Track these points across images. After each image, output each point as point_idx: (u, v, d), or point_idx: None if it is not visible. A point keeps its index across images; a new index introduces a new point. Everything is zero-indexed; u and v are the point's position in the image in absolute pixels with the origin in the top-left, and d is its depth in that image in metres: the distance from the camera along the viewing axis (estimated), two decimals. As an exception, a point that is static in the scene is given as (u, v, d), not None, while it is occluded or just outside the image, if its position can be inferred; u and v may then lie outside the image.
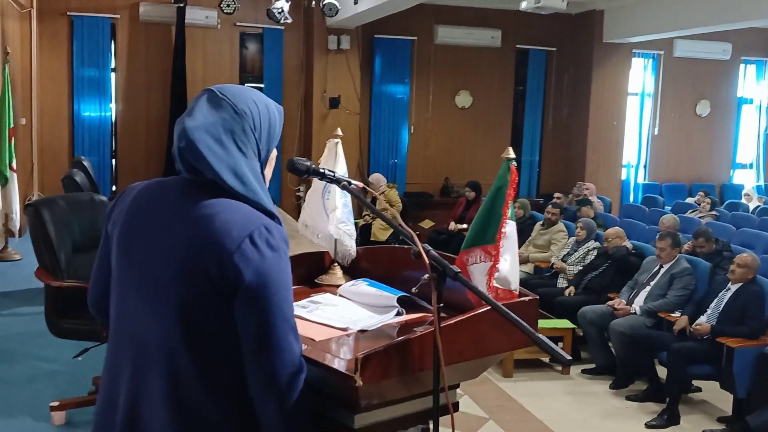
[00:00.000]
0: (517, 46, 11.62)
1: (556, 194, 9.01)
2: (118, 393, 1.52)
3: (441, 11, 11.04)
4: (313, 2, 9.70)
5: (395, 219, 1.67)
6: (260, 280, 1.42)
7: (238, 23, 10.38)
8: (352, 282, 2.15)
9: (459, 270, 1.47)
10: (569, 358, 1.35)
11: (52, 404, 4.07)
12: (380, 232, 9.01)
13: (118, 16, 10.04)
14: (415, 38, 11.16)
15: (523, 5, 7.26)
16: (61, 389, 4.47)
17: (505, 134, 11.86)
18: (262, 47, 10.69)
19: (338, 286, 2.20)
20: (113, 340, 1.59)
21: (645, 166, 12.46)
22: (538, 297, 1.83)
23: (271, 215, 1.51)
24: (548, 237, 7.48)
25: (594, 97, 11.37)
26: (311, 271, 2.34)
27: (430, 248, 1.53)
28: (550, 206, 7.64)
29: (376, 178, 9.68)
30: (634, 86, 11.96)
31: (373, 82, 11.12)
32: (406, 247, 1.71)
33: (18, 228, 8.30)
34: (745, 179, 12.97)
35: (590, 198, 9.22)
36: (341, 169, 2.36)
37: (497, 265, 1.81)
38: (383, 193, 9.43)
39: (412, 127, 11.36)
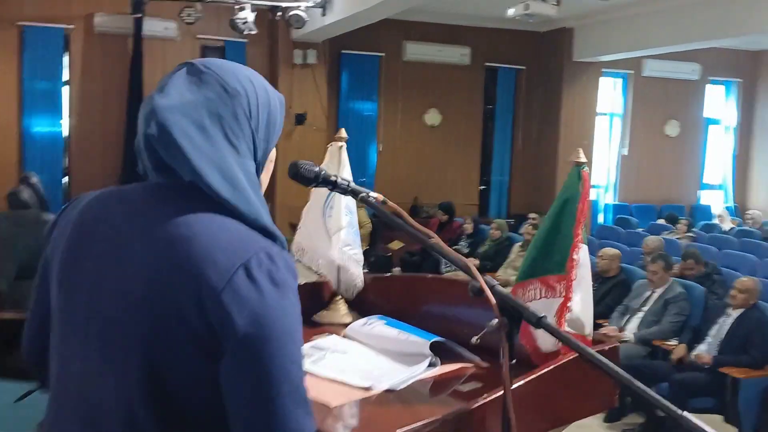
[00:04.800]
0: (487, 64, 11.38)
1: (532, 214, 8.71)
2: None
3: (409, 27, 10.75)
4: (278, 14, 9.33)
5: (435, 241, 1.28)
6: (259, 330, 1.01)
7: (198, 35, 9.91)
8: (364, 320, 1.73)
9: (542, 314, 1.07)
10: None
11: (-13, 455, 3.54)
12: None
13: (72, 26, 9.48)
14: (383, 54, 10.84)
15: (511, 12, 7.01)
16: (1, 436, 3.94)
17: (474, 153, 11.61)
18: (224, 61, 10.22)
19: (343, 325, 1.78)
20: (54, 400, 1.16)
21: (615, 187, 12.31)
22: (618, 344, 1.45)
23: (272, 236, 1.09)
24: (528, 259, 7.15)
25: (564, 116, 11.18)
26: (307, 307, 1.91)
27: (496, 283, 1.14)
28: (530, 227, 7.33)
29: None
30: (604, 106, 11.82)
31: (340, 98, 10.76)
32: (428, 276, 1.30)
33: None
34: (712, 200, 12.91)
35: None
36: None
37: (569, 304, 1.43)
38: (351, 213, 9.02)
39: (381, 145, 11.01)
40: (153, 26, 9.53)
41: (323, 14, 8.58)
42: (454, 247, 8.37)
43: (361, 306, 1.91)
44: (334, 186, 1.42)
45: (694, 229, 9.45)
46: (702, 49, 11.08)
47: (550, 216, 1.51)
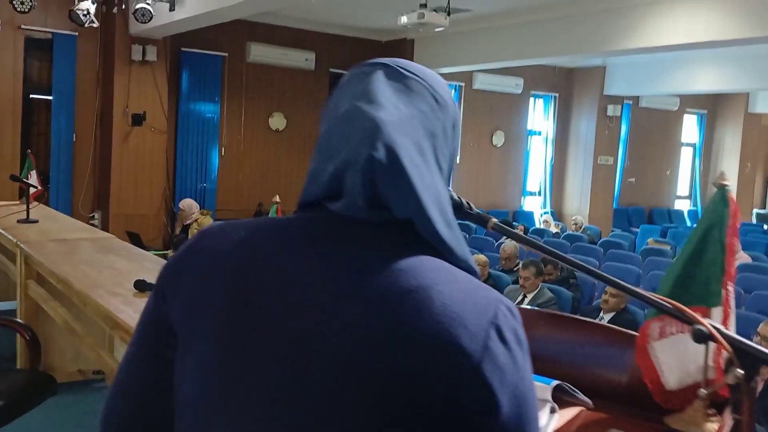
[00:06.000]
0: (331, 69, 11.35)
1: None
2: None
3: (254, 28, 10.45)
4: (115, 7, 8.67)
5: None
6: (520, 408, 0.81)
7: (23, 26, 8.93)
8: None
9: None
10: None
11: None
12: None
13: None
14: (226, 54, 10.43)
15: (404, 20, 7.06)
16: None
17: (318, 159, 11.52)
18: (51, 55, 9.29)
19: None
20: None
21: (448, 193, 12.77)
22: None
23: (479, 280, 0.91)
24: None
25: (405, 124, 11.43)
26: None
27: (721, 326, 1.07)
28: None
29: (188, 203, 8.81)
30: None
31: (180, 99, 10.19)
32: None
33: None
34: (533, 206, 13.85)
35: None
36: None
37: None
38: (197, 221, 8.58)
39: (223, 149, 10.59)
40: (-30, 12, 8.46)
41: (171, 9, 8.08)
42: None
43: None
44: (458, 209, 1.23)
45: (529, 234, 10.04)
46: (526, 66, 11.89)
47: (690, 244, 1.45)
